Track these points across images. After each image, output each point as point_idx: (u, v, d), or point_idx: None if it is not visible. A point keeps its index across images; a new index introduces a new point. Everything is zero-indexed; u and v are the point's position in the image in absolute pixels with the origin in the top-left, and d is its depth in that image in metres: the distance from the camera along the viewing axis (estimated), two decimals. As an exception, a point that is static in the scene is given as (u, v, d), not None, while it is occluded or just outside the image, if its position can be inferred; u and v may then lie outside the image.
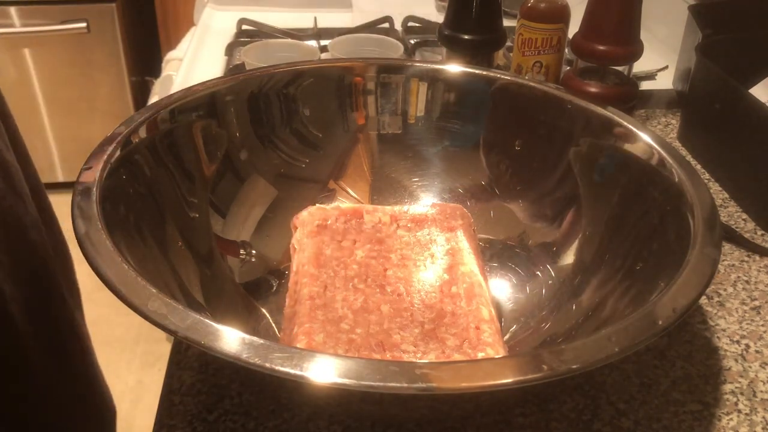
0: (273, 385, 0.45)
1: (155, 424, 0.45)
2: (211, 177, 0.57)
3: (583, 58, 0.78)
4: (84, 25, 1.82)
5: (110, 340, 1.56)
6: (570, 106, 0.58)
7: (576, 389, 0.48)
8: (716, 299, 0.57)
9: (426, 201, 0.62)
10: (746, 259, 0.62)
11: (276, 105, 0.61)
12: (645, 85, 0.94)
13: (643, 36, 0.77)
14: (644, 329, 0.36)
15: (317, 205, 0.57)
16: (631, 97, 0.80)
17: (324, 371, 0.33)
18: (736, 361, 0.51)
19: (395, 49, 0.92)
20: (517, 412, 0.46)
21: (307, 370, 0.33)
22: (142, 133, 0.51)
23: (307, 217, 0.55)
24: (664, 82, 0.94)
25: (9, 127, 0.67)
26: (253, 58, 0.88)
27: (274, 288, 0.56)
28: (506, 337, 0.51)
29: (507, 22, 0.80)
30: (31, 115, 1.90)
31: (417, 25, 1.10)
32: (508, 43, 0.84)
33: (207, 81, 0.59)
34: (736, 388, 0.49)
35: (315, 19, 1.08)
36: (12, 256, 0.59)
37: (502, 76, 0.62)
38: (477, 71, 0.62)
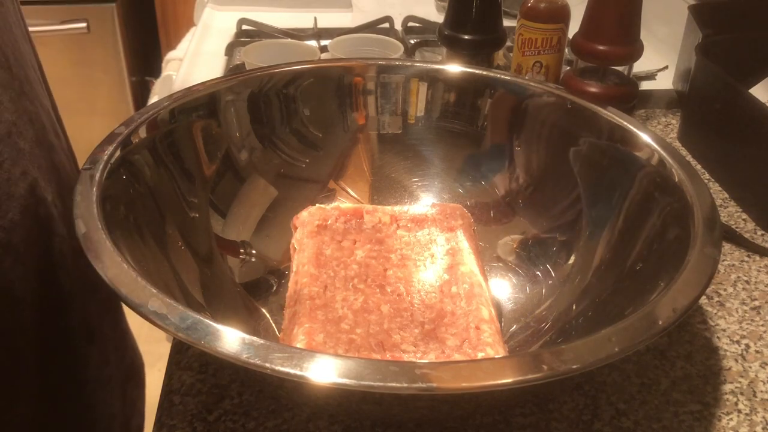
0: (273, 385, 0.45)
1: (155, 424, 0.45)
2: (211, 177, 0.57)
3: (583, 58, 0.78)
4: (84, 25, 1.82)
5: (110, 340, 1.56)
6: (570, 106, 0.58)
7: (576, 389, 0.48)
8: (716, 299, 0.57)
9: (426, 201, 0.62)
10: (746, 259, 0.62)
11: (276, 105, 0.61)
12: (645, 85, 0.93)
13: (643, 36, 0.77)
14: (644, 329, 0.36)
15: (317, 205, 0.57)
16: (631, 97, 0.80)
17: (324, 371, 0.33)
18: (736, 361, 0.51)
19: (395, 49, 0.92)
20: (517, 412, 0.46)
21: (307, 370, 0.33)
22: (142, 133, 0.51)
23: (307, 217, 0.55)
24: (664, 82, 0.94)
25: (51, 96, 0.70)
26: (253, 58, 0.88)
27: (274, 288, 0.56)
28: (506, 337, 0.51)
29: (507, 22, 0.80)
30: (31, 115, 1.90)
31: (417, 25, 1.10)
32: (508, 43, 0.84)
33: (207, 81, 0.59)
34: (736, 388, 0.49)
35: (315, 19, 1.08)
36: (65, 211, 0.62)
37: (502, 76, 0.62)
38: (477, 71, 0.62)
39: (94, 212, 0.42)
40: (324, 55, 0.94)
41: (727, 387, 0.49)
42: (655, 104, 0.87)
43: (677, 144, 0.78)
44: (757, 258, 0.62)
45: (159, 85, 1.10)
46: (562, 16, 0.77)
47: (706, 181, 0.66)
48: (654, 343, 0.52)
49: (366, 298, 0.48)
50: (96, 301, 0.68)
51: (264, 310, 0.53)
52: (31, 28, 0.64)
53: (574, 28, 0.78)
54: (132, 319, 0.42)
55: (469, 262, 0.52)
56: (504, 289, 0.56)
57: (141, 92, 2.01)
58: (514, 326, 0.53)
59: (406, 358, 0.44)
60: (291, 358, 0.33)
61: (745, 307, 0.56)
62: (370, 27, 1.06)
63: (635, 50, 0.76)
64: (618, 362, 0.49)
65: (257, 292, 0.55)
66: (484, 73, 0.63)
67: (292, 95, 0.62)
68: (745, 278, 0.59)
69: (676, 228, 0.46)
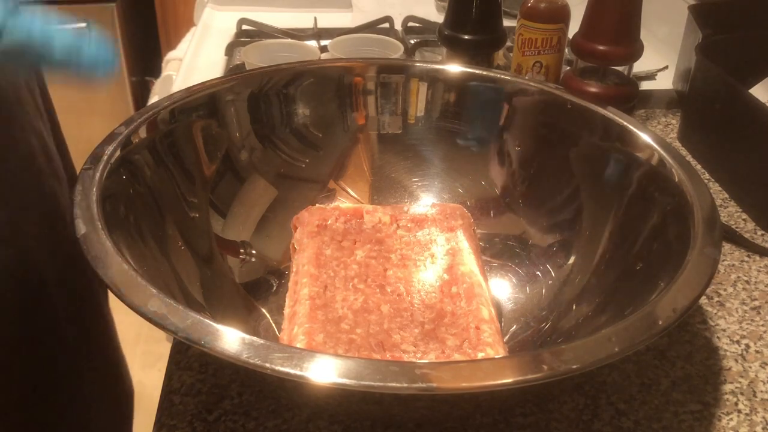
0: (273, 385, 0.45)
1: (155, 424, 0.45)
2: (211, 177, 0.57)
3: (583, 58, 0.78)
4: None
5: (110, 340, 1.56)
6: (570, 106, 0.58)
7: (576, 389, 0.48)
8: (716, 299, 0.57)
9: (426, 201, 0.62)
10: (746, 259, 0.62)
11: (276, 105, 0.61)
12: (645, 85, 0.93)
13: (643, 36, 0.77)
14: (644, 329, 0.36)
15: (317, 205, 0.57)
16: (631, 97, 0.80)
17: (324, 371, 0.33)
18: (736, 361, 0.51)
19: (395, 49, 0.92)
20: (517, 412, 0.46)
21: (307, 370, 0.33)
22: (142, 133, 0.51)
23: (307, 217, 0.55)
24: (664, 82, 0.94)
25: (52, 118, 0.69)
26: (253, 58, 0.88)
27: (274, 288, 0.56)
28: (506, 337, 0.51)
29: (507, 22, 0.80)
30: (31, 115, 1.90)
31: (417, 25, 1.10)
32: (508, 43, 0.84)
33: (207, 81, 0.59)
34: (736, 388, 0.49)
35: (315, 19, 1.08)
36: (51, 238, 0.61)
37: (502, 76, 0.62)
38: (477, 71, 0.62)
39: (94, 212, 0.42)
40: (324, 55, 0.94)
41: (727, 387, 0.49)
42: (655, 104, 0.87)
43: (677, 144, 0.78)
44: (757, 258, 0.62)
45: (159, 85, 1.10)
46: (562, 16, 0.77)
47: (706, 181, 0.66)
48: (654, 343, 0.52)
49: (366, 298, 0.48)
50: (84, 338, 0.68)
51: (264, 310, 0.53)
52: (31, 28, 0.64)
53: (574, 28, 0.78)
54: (132, 318, 0.42)
55: (469, 262, 0.52)
56: (504, 289, 0.56)
57: (141, 92, 2.01)
58: (514, 326, 0.53)
59: (406, 358, 0.44)
60: (291, 358, 0.33)
61: (745, 307, 0.56)
62: (370, 27, 1.06)
63: (635, 50, 0.76)
64: (618, 362, 0.49)
65: (257, 292, 0.55)
66: (484, 73, 0.63)
67: (292, 95, 0.62)
68: (745, 278, 0.59)
69: (676, 228, 0.46)
